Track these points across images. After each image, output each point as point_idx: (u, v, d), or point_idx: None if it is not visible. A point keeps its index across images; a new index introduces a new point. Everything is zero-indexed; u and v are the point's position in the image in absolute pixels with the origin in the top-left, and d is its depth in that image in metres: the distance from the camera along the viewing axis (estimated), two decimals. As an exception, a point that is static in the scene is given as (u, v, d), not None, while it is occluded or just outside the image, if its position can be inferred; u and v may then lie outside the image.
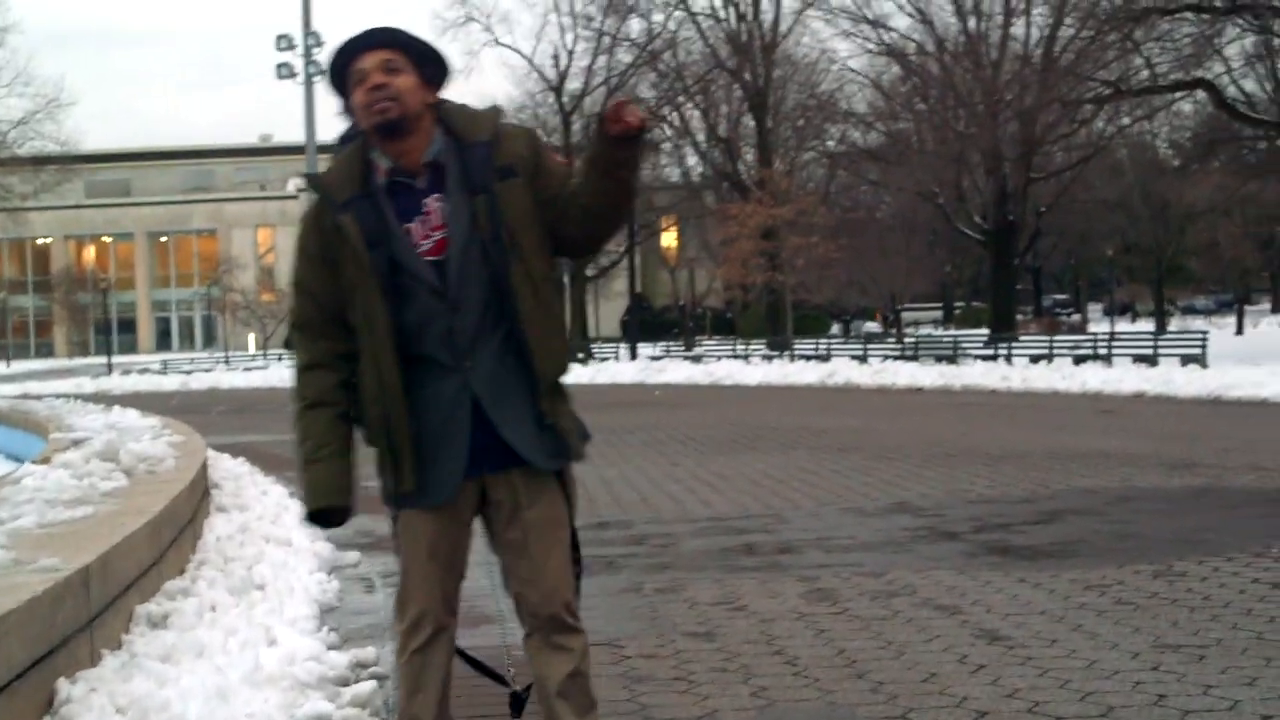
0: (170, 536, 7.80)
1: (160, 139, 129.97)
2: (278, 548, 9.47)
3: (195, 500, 9.38)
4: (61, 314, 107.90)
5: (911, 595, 8.07)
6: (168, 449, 10.87)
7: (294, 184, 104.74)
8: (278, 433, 22.91)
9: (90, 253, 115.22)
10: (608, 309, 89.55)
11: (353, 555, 10.06)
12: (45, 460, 10.22)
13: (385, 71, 4.12)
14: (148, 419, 15.50)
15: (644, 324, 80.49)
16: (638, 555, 9.87)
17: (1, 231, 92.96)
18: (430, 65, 4.23)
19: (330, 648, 6.94)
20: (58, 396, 26.36)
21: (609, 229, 4.37)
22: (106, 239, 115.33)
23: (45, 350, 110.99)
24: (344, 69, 4.19)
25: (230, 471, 13.87)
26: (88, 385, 50.55)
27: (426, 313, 4.14)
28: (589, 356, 57.24)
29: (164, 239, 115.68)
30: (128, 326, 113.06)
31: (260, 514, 10.94)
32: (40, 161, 72.10)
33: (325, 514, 4.24)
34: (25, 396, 33.64)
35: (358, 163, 4.22)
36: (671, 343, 69.29)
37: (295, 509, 12.18)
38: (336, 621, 7.90)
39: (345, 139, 4.30)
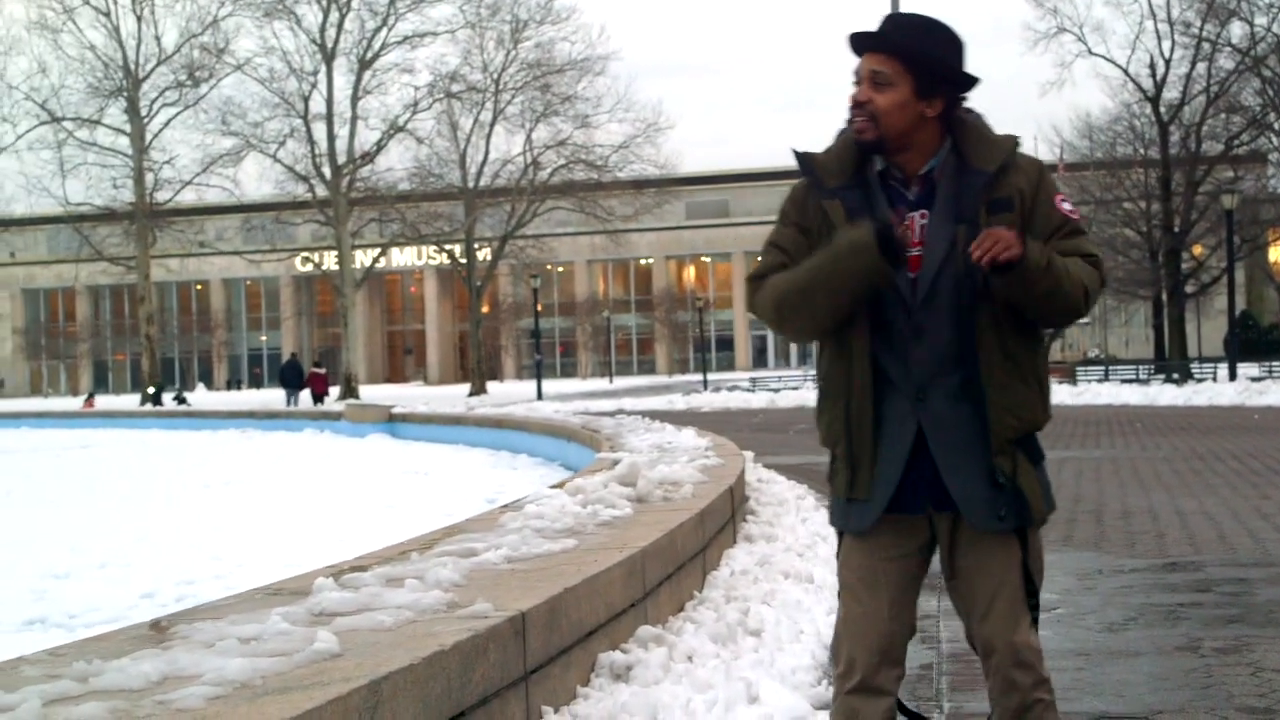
0: (663, 573, 7.17)
1: (755, 160, 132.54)
2: (795, 584, 8.71)
3: (708, 532, 8.74)
4: (662, 332, 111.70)
5: None
6: (694, 473, 10.34)
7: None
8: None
9: (690, 272, 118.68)
10: (1210, 327, 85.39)
11: (885, 593, 9.22)
12: (563, 483, 9.85)
13: (872, 85, 3.89)
14: (700, 439, 15.12)
15: (1249, 343, 76.42)
16: (1202, 605, 8.61)
17: (605, 252, 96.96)
18: (930, 75, 3.90)
19: (822, 707, 6.12)
20: (642, 414, 26.60)
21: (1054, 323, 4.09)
22: (705, 259, 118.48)
23: (647, 367, 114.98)
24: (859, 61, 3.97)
25: (775, 496, 13.25)
26: (679, 402, 51.48)
27: (891, 324, 3.91)
28: (1187, 377, 54.55)
29: (760, 259, 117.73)
30: (726, 344, 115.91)
31: (789, 545, 10.21)
32: (640, 184, 74.56)
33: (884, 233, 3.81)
34: (620, 412, 34.33)
35: (854, 153, 3.99)
36: (1276, 363, 65.20)
37: (833, 539, 11.43)
38: (844, 673, 7.11)
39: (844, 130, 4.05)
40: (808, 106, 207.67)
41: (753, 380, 72.27)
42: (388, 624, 4.72)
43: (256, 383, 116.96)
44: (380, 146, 70.32)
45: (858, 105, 3.90)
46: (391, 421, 39.54)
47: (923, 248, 3.90)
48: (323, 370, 63.62)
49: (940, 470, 3.91)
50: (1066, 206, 3.97)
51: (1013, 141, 3.96)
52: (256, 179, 74.74)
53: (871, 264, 3.76)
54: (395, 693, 4.03)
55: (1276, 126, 64.43)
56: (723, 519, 9.67)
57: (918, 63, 3.88)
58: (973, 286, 3.83)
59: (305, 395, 60.15)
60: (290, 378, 61.05)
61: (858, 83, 3.92)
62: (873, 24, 3.98)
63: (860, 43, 3.94)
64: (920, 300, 3.89)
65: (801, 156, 4.08)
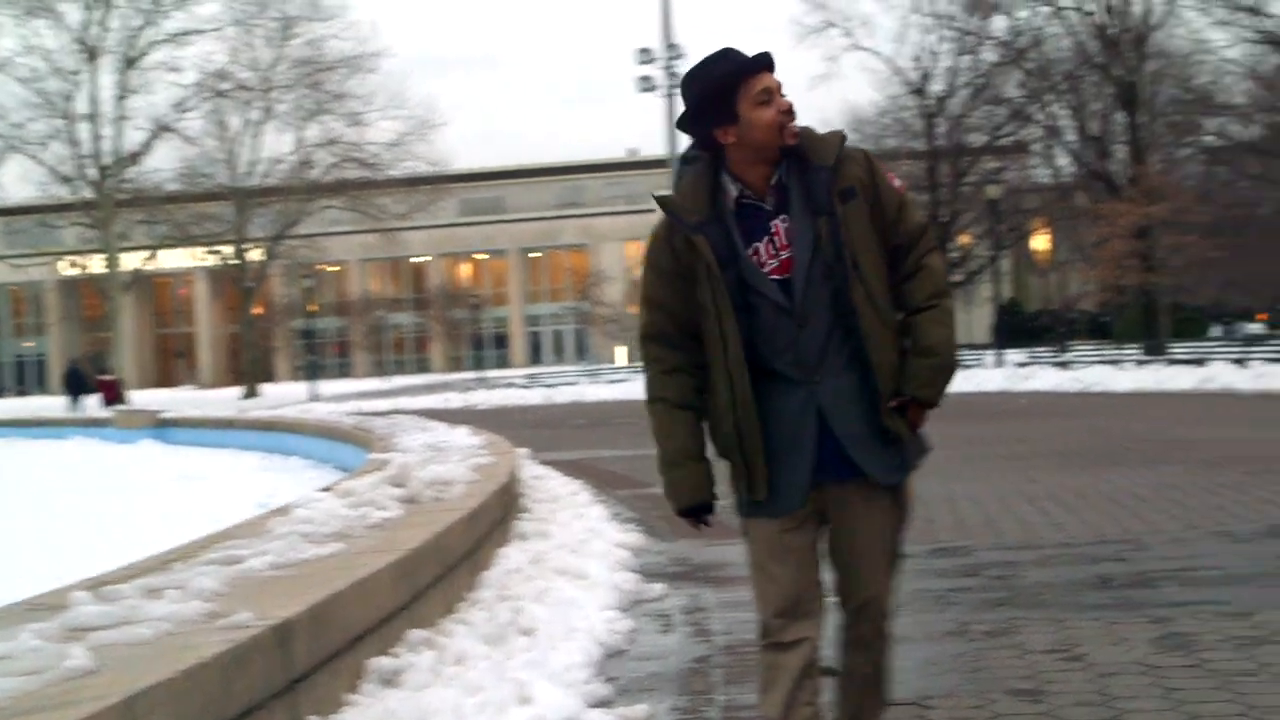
0: (431, 575, 7.11)
1: (531, 157, 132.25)
2: (570, 582, 8.71)
3: (479, 531, 8.70)
4: (438, 330, 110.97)
5: (1282, 644, 6.82)
6: (466, 472, 10.27)
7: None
8: (627, 448, 22.47)
9: (465, 270, 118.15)
10: (977, 315, 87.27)
11: (657, 588, 9.22)
12: (333, 486, 9.72)
13: (780, 94, 4.29)
14: (473, 437, 15.03)
15: (1015, 329, 78.39)
16: (970, 589, 8.79)
17: (378, 251, 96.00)
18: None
19: (595, 704, 6.14)
20: (417, 413, 26.40)
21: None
22: (480, 256, 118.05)
23: (423, 366, 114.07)
24: (735, 84, 4.26)
25: (550, 493, 13.26)
26: (455, 400, 51.09)
27: (774, 330, 4.32)
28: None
29: (535, 255, 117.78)
30: (502, 341, 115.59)
31: (562, 542, 10.20)
32: (414, 182, 74.04)
33: (695, 510, 4.50)
34: (395, 412, 34.04)
35: (705, 186, 4.37)
36: (1041, 348, 67.00)
37: (608, 534, 11.44)
38: (617, 670, 7.10)
39: (687, 160, 4.47)
40: (583, 102, 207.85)
41: (529, 377, 72.26)
42: (146, 637, 4.61)
43: (23, 394, 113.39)
44: (147, 147, 68.98)
45: (791, 112, 4.29)
46: (161, 426, 38.84)
47: (791, 248, 4.30)
48: (112, 376, 62.27)
49: (840, 438, 4.34)
50: (897, 183, 4.44)
51: (839, 136, 4.38)
52: (19, 181, 72.58)
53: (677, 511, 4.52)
54: (152, 709, 3.93)
55: (1038, 118, 66.18)
56: (495, 517, 9.63)
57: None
58: (844, 271, 4.27)
59: (94, 401, 58.83)
60: (74, 383, 59.62)
61: (763, 101, 4.26)
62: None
63: (769, 60, 4.33)
64: (800, 294, 4.29)
65: (662, 200, 4.42)
